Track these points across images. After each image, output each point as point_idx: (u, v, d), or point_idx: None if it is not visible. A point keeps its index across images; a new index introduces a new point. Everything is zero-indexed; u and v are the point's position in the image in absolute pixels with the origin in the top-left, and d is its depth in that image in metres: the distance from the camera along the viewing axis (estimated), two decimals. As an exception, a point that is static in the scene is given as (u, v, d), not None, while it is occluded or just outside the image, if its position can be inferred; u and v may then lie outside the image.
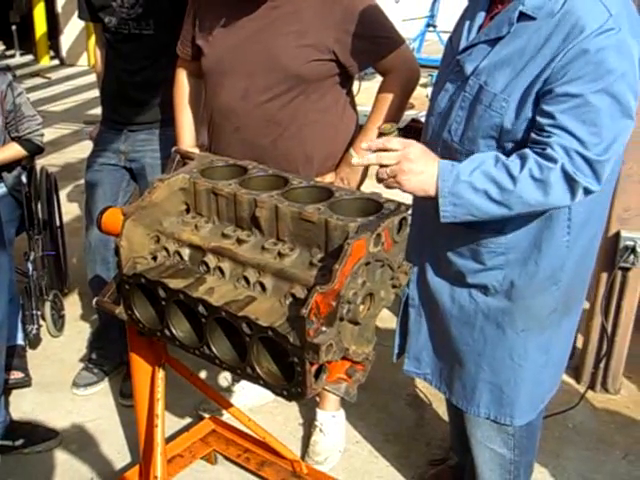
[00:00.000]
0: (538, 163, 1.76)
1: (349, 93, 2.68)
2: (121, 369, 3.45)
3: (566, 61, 1.72)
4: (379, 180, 1.88)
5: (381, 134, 1.87)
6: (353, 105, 2.72)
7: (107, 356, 3.49)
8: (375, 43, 2.49)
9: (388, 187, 1.88)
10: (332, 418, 3.01)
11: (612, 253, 3.10)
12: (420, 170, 1.82)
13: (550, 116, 1.75)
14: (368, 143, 1.88)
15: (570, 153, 1.74)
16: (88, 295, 3.74)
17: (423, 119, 3.24)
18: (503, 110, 1.83)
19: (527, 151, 1.79)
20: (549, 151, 1.75)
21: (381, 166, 1.85)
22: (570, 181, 1.75)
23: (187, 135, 2.85)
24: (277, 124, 2.52)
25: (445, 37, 10.08)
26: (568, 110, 1.73)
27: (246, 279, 1.77)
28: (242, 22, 2.50)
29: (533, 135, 1.80)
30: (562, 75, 1.73)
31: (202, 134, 2.89)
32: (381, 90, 2.58)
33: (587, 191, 1.78)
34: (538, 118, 1.78)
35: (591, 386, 3.34)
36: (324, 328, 1.59)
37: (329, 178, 2.59)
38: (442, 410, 3.21)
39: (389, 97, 2.55)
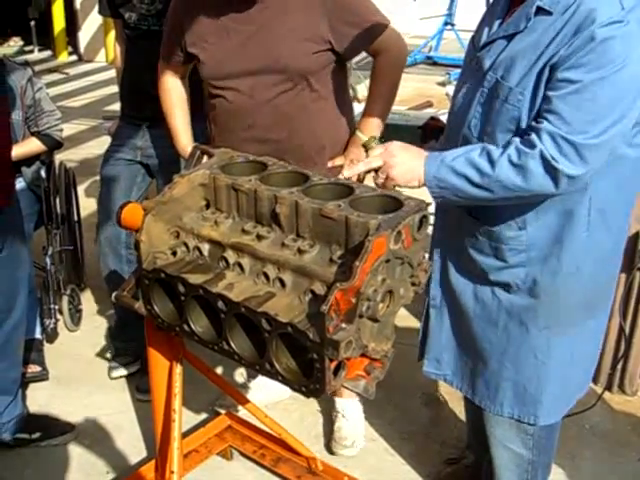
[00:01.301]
0: (518, 148, 1.81)
1: (344, 78, 2.77)
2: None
3: (573, 49, 1.74)
4: (379, 186, 2.00)
5: (365, 148, 2.05)
6: (347, 90, 2.84)
7: (128, 351, 3.50)
8: (365, 28, 2.56)
9: (387, 188, 1.97)
10: (352, 403, 3.04)
11: (631, 254, 3.08)
12: (405, 160, 1.95)
13: (548, 100, 1.79)
14: (352, 170, 2.02)
15: (556, 139, 1.76)
16: (105, 290, 3.75)
17: (442, 117, 3.24)
18: (520, 103, 1.85)
19: (513, 139, 1.84)
20: (532, 137, 1.79)
21: (375, 172, 1.99)
22: (549, 167, 1.78)
23: (183, 134, 2.88)
24: (288, 118, 2.59)
25: (463, 35, 10.06)
26: (564, 95, 1.75)
27: (266, 275, 1.77)
28: (236, 26, 2.55)
29: (532, 121, 1.84)
30: (566, 61, 1.75)
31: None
32: (375, 71, 2.70)
33: (571, 177, 1.79)
34: (541, 103, 1.81)
35: (608, 387, 3.32)
36: (344, 325, 1.59)
37: (339, 161, 2.69)
38: (458, 409, 3.20)
39: (384, 76, 2.68)
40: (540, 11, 1.82)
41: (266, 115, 2.58)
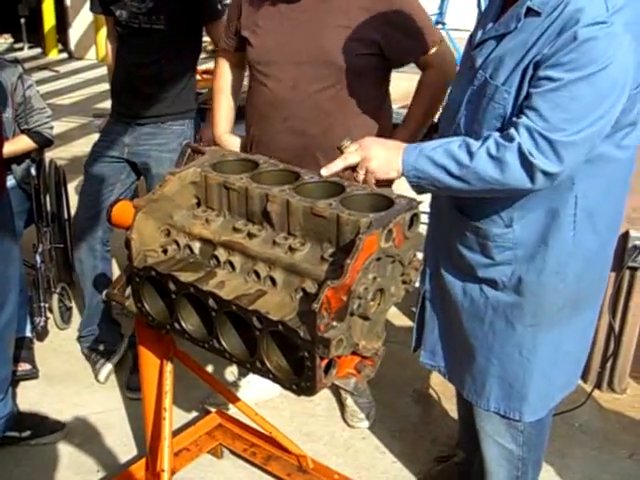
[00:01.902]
0: (496, 141, 1.82)
1: (387, 85, 2.77)
2: (127, 357, 3.48)
3: (556, 48, 1.75)
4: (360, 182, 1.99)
5: (339, 150, 2.03)
6: (389, 97, 2.82)
7: (103, 337, 3.54)
8: (419, 39, 2.57)
9: (368, 183, 1.98)
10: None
11: (621, 252, 3.09)
12: (381, 152, 1.96)
13: (529, 97, 1.80)
14: (330, 169, 1.96)
15: (533, 134, 1.77)
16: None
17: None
18: (505, 101, 1.87)
19: (493, 133, 1.85)
20: (511, 130, 1.80)
21: (353, 170, 1.98)
22: (526, 162, 1.79)
23: (223, 122, 2.90)
24: (327, 114, 2.60)
25: (454, 35, 10.04)
26: (544, 92, 1.77)
27: (256, 273, 1.77)
28: (290, 14, 2.57)
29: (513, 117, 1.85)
30: (548, 59, 1.76)
31: (238, 127, 2.91)
32: (421, 83, 2.70)
33: (546, 174, 1.80)
34: (523, 100, 1.83)
35: (597, 385, 3.33)
36: (335, 323, 1.59)
37: None
38: (448, 407, 3.21)
39: (428, 90, 2.68)
40: (530, 12, 1.83)
41: (305, 108, 2.59)
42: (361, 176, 1.97)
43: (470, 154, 1.84)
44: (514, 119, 1.83)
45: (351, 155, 1.98)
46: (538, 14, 1.81)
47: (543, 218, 1.96)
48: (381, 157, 1.96)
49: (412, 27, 2.55)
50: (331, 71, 2.55)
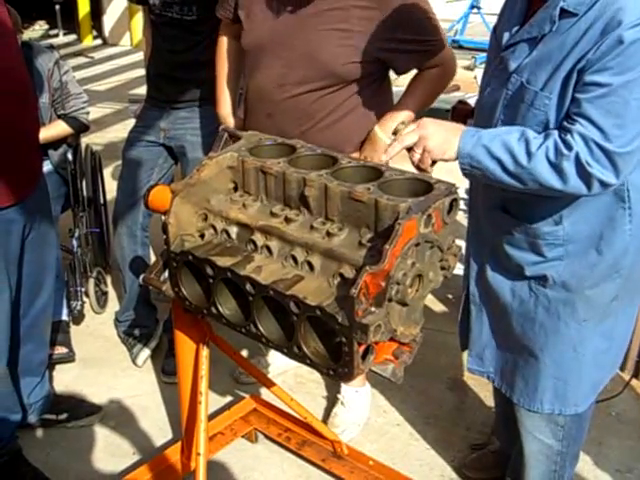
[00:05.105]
0: (556, 146, 1.76)
1: (387, 86, 2.68)
2: (162, 341, 3.50)
3: (601, 52, 1.70)
4: (417, 166, 1.95)
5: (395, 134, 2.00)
6: (389, 96, 2.71)
7: (140, 322, 3.57)
8: (424, 46, 2.48)
9: (423, 168, 1.94)
10: (355, 393, 3.01)
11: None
12: (440, 131, 1.89)
13: (577, 103, 1.75)
14: (389, 152, 1.94)
15: (589, 143, 1.73)
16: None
17: (469, 100, 3.22)
18: (547, 107, 1.82)
19: (553, 132, 1.80)
20: (569, 137, 1.75)
21: (409, 150, 1.92)
22: (583, 171, 1.74)
23: (224, 106, 2.87)
24: (310, 116, 2.52)
25: (489, 19, 9.94)
26: (594, 99, 1.72)
27: (294, 258, 1.76)
28: (286, 8, 2.46)
29: (563, 122, 1.79)
30: (594, 64, 1.71)
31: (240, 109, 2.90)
32: (422, 77, 2.58)
33: (603, 184, 1.76)
34: (569, 106, 1.78)
35: (635, 374, 3.29)
36: (373, 308, 1.58)
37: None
38: (483, 395, 3.19)
39: (429, 85, 2.59)
40: (564, 13, 1.78)
41: (288, 108, 2.51)
42: (417, 155, 1.92)
43: (529, 154, 1.78)
44: (566, 124, 1.77)
45: (408, 136, 1.92)
46: (574, 15, 1.76)
47: (594, 213, 1.92)
48: (439, 137, 1.89)
49: (417, 35, 2.44)
50: (320, 74, 2.45)
